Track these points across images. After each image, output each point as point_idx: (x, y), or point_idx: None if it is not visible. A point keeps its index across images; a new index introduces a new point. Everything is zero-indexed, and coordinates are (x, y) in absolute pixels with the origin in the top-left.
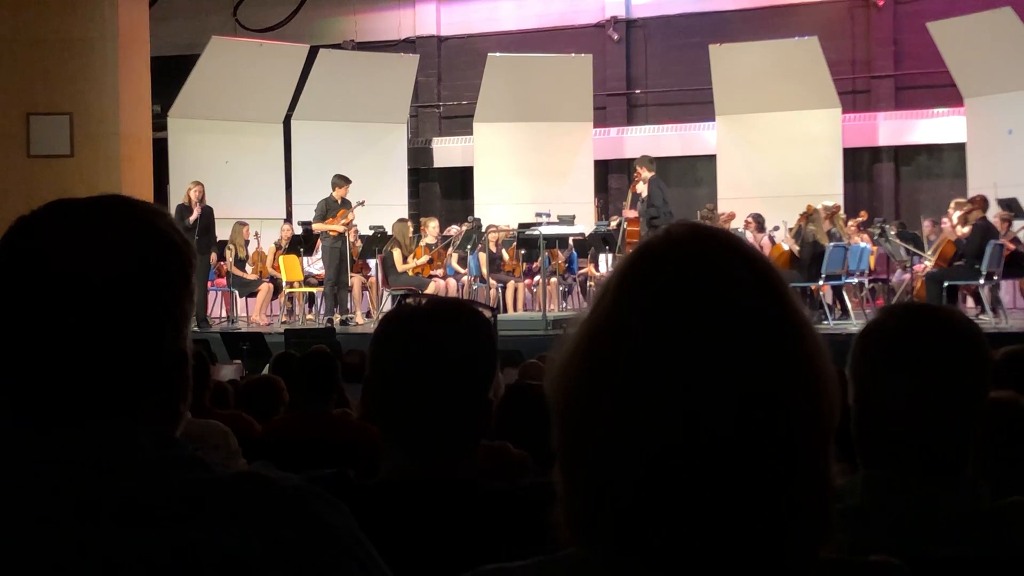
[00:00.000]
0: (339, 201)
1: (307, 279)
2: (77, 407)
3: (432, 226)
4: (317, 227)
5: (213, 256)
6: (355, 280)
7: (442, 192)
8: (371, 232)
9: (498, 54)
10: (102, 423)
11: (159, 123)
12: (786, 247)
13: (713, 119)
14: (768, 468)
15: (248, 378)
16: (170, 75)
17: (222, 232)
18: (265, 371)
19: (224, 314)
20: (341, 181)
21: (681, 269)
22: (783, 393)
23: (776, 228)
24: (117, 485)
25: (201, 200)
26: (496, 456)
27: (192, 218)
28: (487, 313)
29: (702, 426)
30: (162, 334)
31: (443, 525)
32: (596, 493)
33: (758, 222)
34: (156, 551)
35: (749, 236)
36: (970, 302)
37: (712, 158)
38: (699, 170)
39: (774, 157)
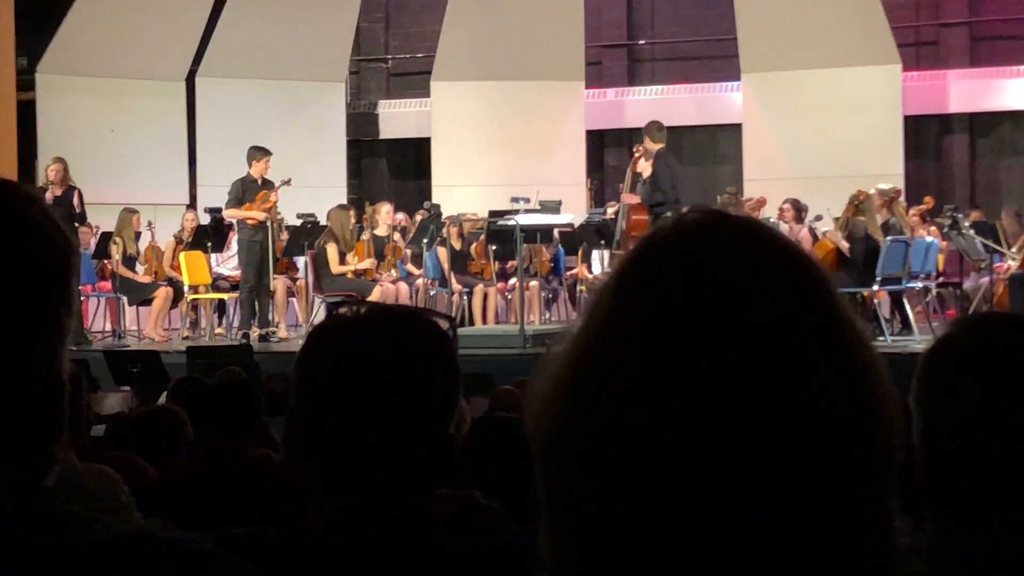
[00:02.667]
0: (258, 181)
1: (216, 282)
2: None
3: (384, 212)
4: (230, 214)
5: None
6: (279, 284)
7: (391, 171)
8: (300, 222)
9: None
10: None
11: (26, 81)
12: (832, 242)
13: (738, 78)
14: (808, 524)
15: (140, 409)
16: (40, 20)
17: (105, 221)
18: (162, 400)
19: (109, 327)
20: (258, 154)
21: (695, 268)
22: (828, 425)
23: (819, 218)
24: None
25: (62, 182)
26: (460, 508)
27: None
28: (444, 324)
29: (723, 469)
30: (31, 353)
31: None
32: (591, 556)
33: (796, 210)
34: None
35: (784, 228)
36: None
37: (736, 128)
38: (720, 143)
39: (815, 127)
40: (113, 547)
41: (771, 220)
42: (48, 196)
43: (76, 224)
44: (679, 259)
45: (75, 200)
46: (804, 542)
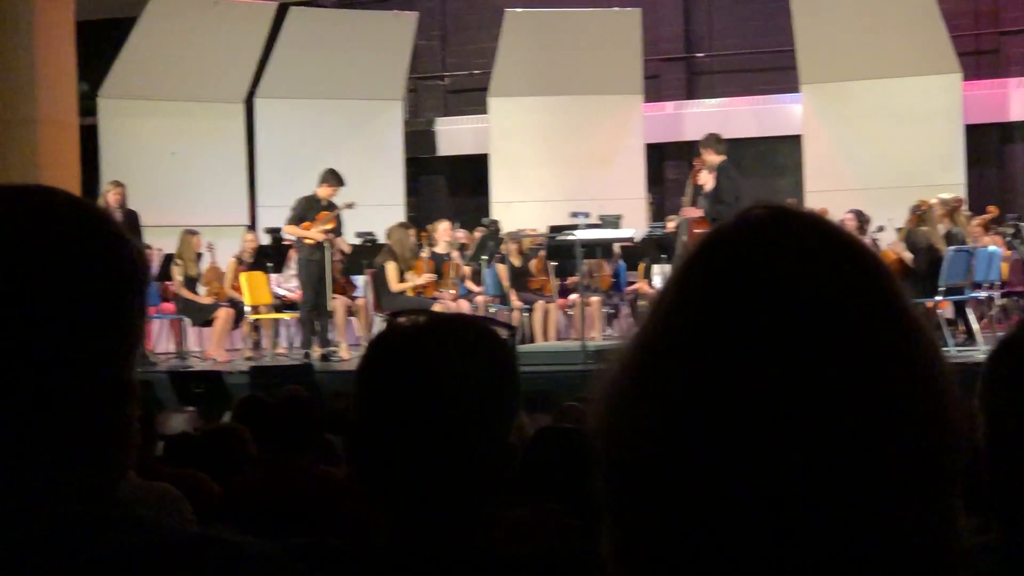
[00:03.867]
0: (322, 203)
1: (281, 301)
2: None
3: (442, 229)
4: (289, 230)
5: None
6: (338, 303)
7: (449, 187)
8: (359, 241)
9: (518, 9)
10: (12, 468)
11: (88, 105)
12: (895, 253)
13: (797, 90)
14: (873, 523)
15: (204, 428)
16: (101, 44)
17: (167, 244)
18: (226, 419)
19: (172, 348)
20: (332, 179)
21: (760, 263)
22: (893, 422)
23: (881, 229)
24: (27, 549)
25: (122, 206)
26: (527, 516)
27: None
28: (504, 333)
29: (786, 468)
30: (105, 357)
31: None
32: (655, 559)
33: (860, 220)
34: None
35: None
36: None
37: (796, 139)
38: (780, 154)
39: (876, 137)
40: (182, 548)
41: None
42: None
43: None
44: (743, 254)
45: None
46: (868, 541)
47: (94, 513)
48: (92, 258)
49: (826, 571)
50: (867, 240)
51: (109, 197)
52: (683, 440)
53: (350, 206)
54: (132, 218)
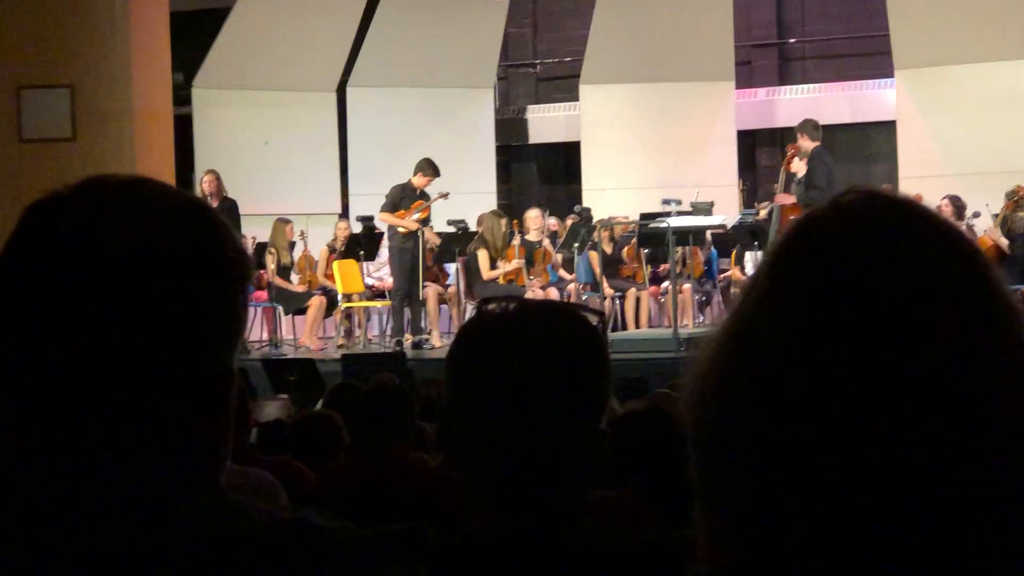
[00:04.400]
0: (417, 192)
1: (369, 291)
2: (91, 431)
3: (533, 216)
4: (383, 218)
5: None
6: (430, 291)
7: (540, 175)
8: (451, 228)
9: None
10: (121, 457)
11: (182, 95)
12: (992, 239)
13: (891, 75)
14: (966, 511)
15: (298, 416)
16: (195, 35)
17: (260, 232)
18: (319, 407)
19: (265, 336)
20: (428, 169)
21: (854, 247)
22: (988, 408)
23: (977, 215)
24: (136, 539)
25: (217, 193)
26: (611, 506)
27: None
28: (594, 319)
29: (880, 453)
30: (209, 349)
31: None
32: (747, 543)
33: (956, 207)
34: None
35: None
36: None
37: (891, 125)
38: (874, 141)
39: (972, 123)
40: (277, 533)
41: None
42: None
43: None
44: (837, 239)
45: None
46: (961, 529)
47: (198, 501)
48: (196, 250)
49: (921, 563)
50: (963, 226)
51: (204, 185)
52: (775, 425)
53: (445, 196)
54: (230, 206)
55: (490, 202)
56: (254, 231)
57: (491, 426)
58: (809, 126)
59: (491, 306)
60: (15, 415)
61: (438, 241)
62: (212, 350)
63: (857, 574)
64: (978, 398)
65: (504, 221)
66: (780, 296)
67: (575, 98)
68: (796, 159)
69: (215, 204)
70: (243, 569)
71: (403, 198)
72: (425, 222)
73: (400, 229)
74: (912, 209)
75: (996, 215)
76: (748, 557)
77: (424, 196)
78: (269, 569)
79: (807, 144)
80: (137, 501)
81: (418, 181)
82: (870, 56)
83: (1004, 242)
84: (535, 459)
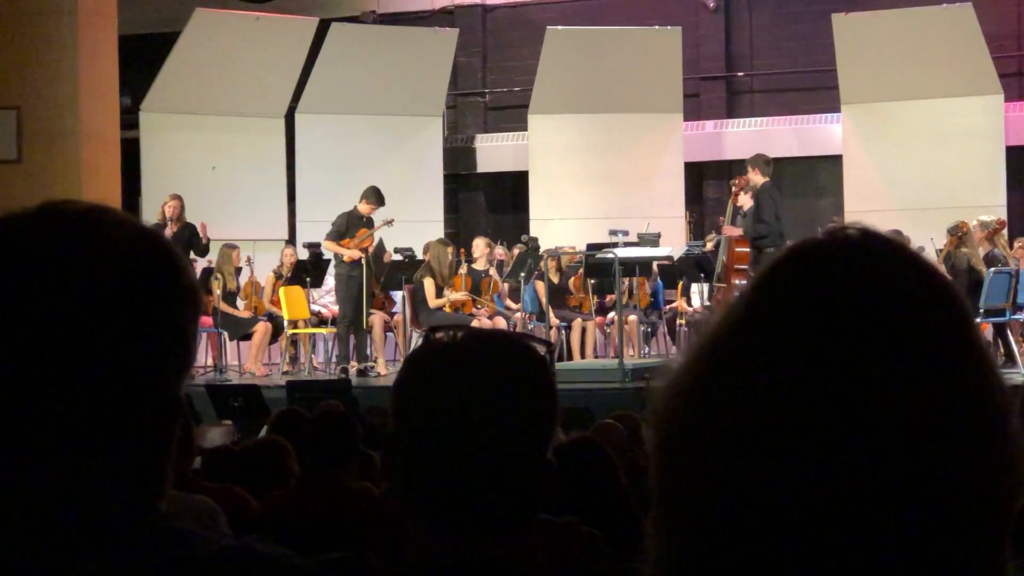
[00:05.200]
0: (363, 219)
1: (315, 317)
2: (36, 449)
3: (480, 245)
4: (327, 246)
5: None
6: (376, 319)
7: (488, 204)
8: (398, 256)
9: (559, 27)
10: (63, 477)
11: (129, 119)
12: None
13: (838, 109)
14: (924, 549)
15: (248, 442)
16: (143, 58)
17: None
18: (263, 433)
19: (210, 362)
20: (373, 197)
21: (849, 280)
22: (958, 450)
23: (920, 250)
24: (74, 557)
25: (178, 218)
26: (560, 536)
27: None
28: (542, 349)
29: (847, 479)
30: (156, 374)
31: None
32: (706, 555)
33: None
34: None
35: None
36: None
37: (837, 159)
38: (820, 174)
39: (916, 158)
40: (218, 559)
41: None
42: (167, 232)
43: (194, 258)
44: (834, 270)
45: (202, 233)
46: (918, 566)
47: (138, 525)
48: (150, 279)
49: None
50: None
51: (167, 209)
52: (752, 433)
53: (389, 223)
54: (191, 232)
55: (437, 230)
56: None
57: (437, 455)
58: (760, 161)
59: (439, 335)
60: None
61: (389, 259)
62: (161, 378)
63: None
64: (951, 445)
65: (451, 249)
66: (767, 322)
67: (524, 128)
68: (743, 193)
69: (175, 229)
70: None
71: (348, 226)
72: (372, 249)
73: (344, 257)
74: (904, 252)
75: (940, 250)
76: (703, 565)
77: (369, 223)
78: None
79: (757, 178)
80: (78, 521)
81: (363, 208)
82: (817, 91)
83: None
84: (481, 488)
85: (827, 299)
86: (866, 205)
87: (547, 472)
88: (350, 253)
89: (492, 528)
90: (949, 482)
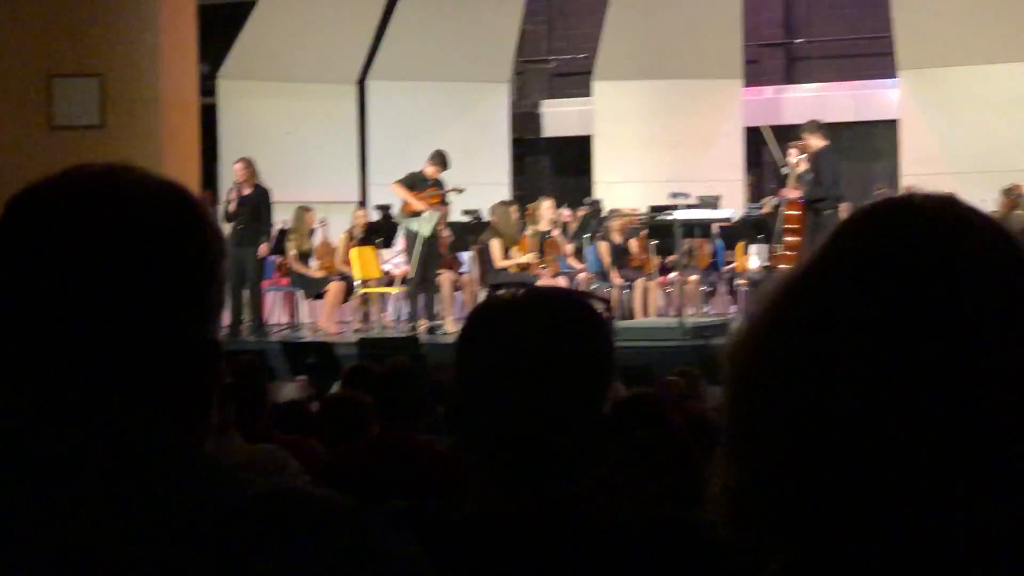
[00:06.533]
0: (428, 180)
1: (386, 277)
2: (81, 399)
3: (545, 207)
4: (396, 189)
5: (263, 248)
6: (445, 278)
7: (554, 168)
8: (466, 218)
9: None
10: (108, 422)
11: (208, 86)
12: None
13: (895, 75)
14: (1001, 491)
15: (328, 396)
16: (221, 28)
17: (282, 220)
18: (335, 388)
19: (285, 320)
20: (439, 159)
21: (923, 244)
22: None
23: None
24: (124, 500)
25: (248, 180)
26: (614, 485)
27: (231, 204)
28: (600, 306)
29: (912, 429)
30: (191, 318)
31: (547, 570)
32: (773, 486)
33: None
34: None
35: None
36: None
37: (893, 124)
38: (876, 139)
39: (972, 122)
40: (264, 500)
41: None
42: (233, 195)
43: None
44: (908, 233)
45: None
46: (984, 523)
47: (184, 467)
48: (172, 228)
49: (935, 545)
50: None
51: (236, 173)
52: (820, 376)
53: (459, 191)
54: (262, 193)
55: (504, 193)
56: (276, 218)
57: (496, 407)
58: (814, 126)
59: (500, 292)
60: (13, 382)
61: (448, 233)
62: (195, 323)
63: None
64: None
65: (514, 211)
66: (841, 261)
67: (588, 93)
68: (798, 156)
69: (247, 191)
70: (226, 534)
71: (416, 183)
72: (443, 212)
73: (407, 207)
74: (981, 216)
75: (994, 212)
76: (771, 495)
77: (437, 184)
78: (253, 534)
79: (815, 142)
80: (124, 465)
81: (429, 171)
82: (874, 56)
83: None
84: (537, 439)
85: (896, 258)
86: (921, 169)
87: (602, 425)
88: (417, 204)
89: (547, 478)
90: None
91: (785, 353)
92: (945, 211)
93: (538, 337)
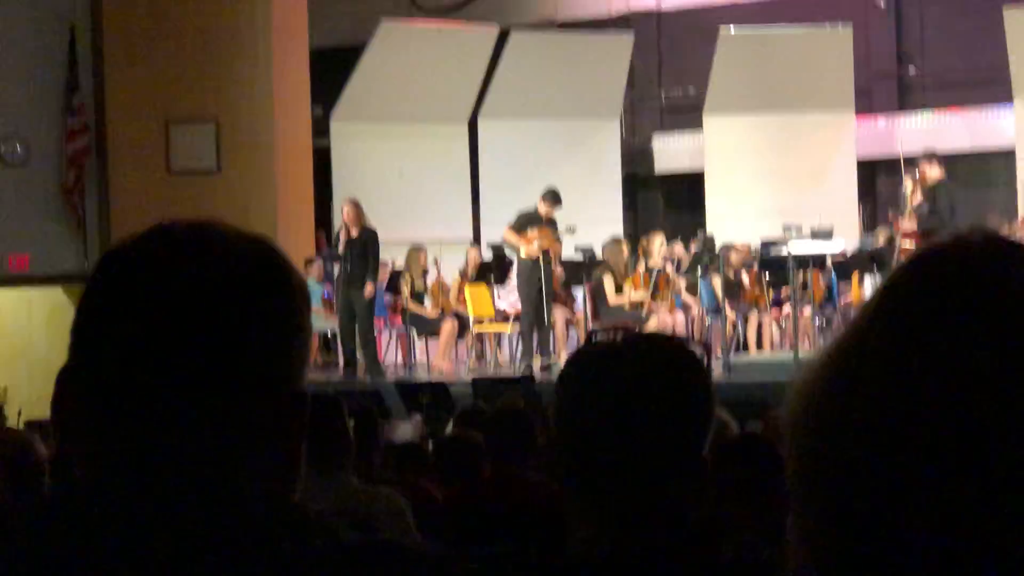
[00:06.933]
0: (543, 219)
1: (500, 314)
2: (170, 454)
3: (658, 244)
4: (506, 235)
5: (369, 288)
6: (558, 315)
7: (665, 203)
8: (578, 255)
9: (732, 28)
10: (197, 475)
11: (320, 128)
12: None
13: (1011, 101)
14: None
15: (443, 438)
16: (333, 70)
17: (395, 258)
18: (449, 428)
19: (400, 359)
20: (551, 197)
21: (971, 286)
22: None
23: None
24: (215, 552)
25: (356, 222)
26: (714, 529)
27: (341, 245)
28: (698, 351)
29: (968, 478)
30: (279, 370)
31: None
32: (842, 548)
33: None
34: None
35: None
36: None
37: (1010, 153)
38: (992, 168)
39: None
40: (355, 553)
41: None
42: (343, 236)
43: (384, 261)
44: (957, 275)
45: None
46: None
47: (278, 519)
48: (257, 282)
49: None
50: None
51: (344, 215)
52: (879, 433)
53: (572, 230)
54: (370, 235)
55: (616, 229)
56: (390, 257)
57: (594, 451)
58: (930, 155)
59: (600, 336)
60: (106, 438)
61: (561, 271)
62: (283, 374)
63: None
64: None
65: (627, 246)
66: (891, 324)
67: (700, 128)
68: (918, 187)
69: (355, 234)
70: None
71: (529, 222)
72: (557, 251)
73: (522, 253)
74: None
75: None
76: (839, 557)
77: (552, 224)
78: None
79: (933, 173)
80: (222, 519)
81: (542, 209)
82: (989, 84)
83: None
84: (634, 482)
85: (949, 305)
86: None
87: (702, 467)
88: (528, 249)
89: (648, 521)
90: None
91: (839, 414)
92: (994, 254)
93: (636, 380)
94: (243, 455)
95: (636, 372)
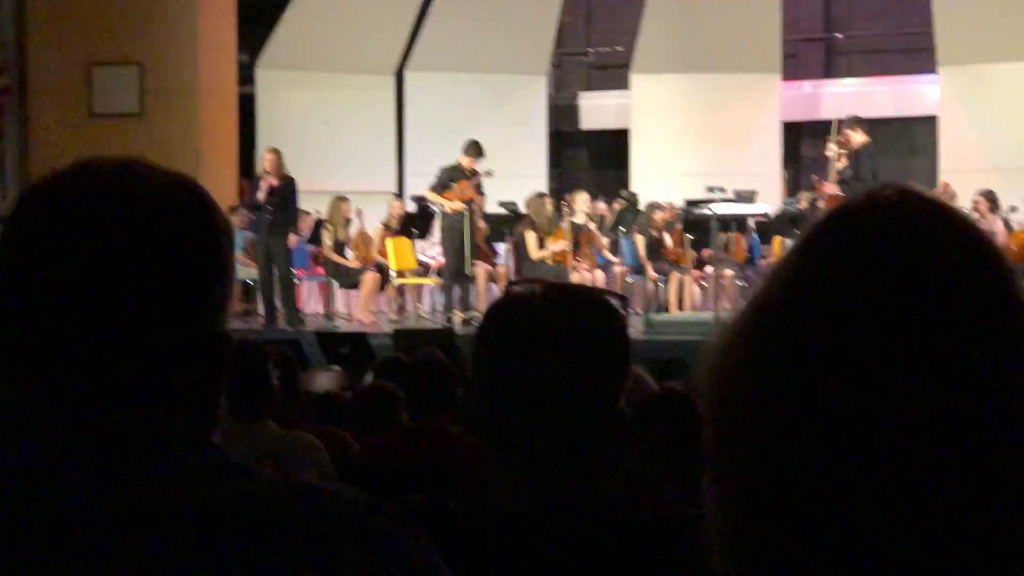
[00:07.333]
0: (465, 172)
1: (422, 268)
2: (87, 392)
3: (581, 201)
4: (430, 195)
5: (293, 238)
6: (480, 270)
7: (590, 161)
8: (502, 210)
9: None
10: (115, 414)
11: (246, 75)
12: None
13: (934, 70)
14: (977, 500)
15: (360, 388)
16: (260, 17)
17: (318, 208)
18: (368, 379)
19: (320, 309)
20: (473, 150)
21: (885, 240)
22: (995, 408)
23: (1014, 209)
24: (134, 491)
25: (276, 170)
26: (630, 482)
27: (260, 193)
28: (615, 302)
29: (892, 436)
30: (201, 310)
31: (563, 568)
32: (756, 512)
33: (990, 201)
34: (173, 571)
35: (978, 219)
36: None
37: (932, 120)
38: (915, 135)
39: (1013, 119)
40: (277, 494)
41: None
42: (264, 185)
43: (306, 210)
44: (870, 231)
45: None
46: (969, 528)
47: (194, 459)
48: (181, 221)
49: (925, 545)
50: (998, 220)
51: (264, 163)
52: (797, 394)
53: (489, 174)
54: (289, 184)
55: (540, 185)
56: (312, 207)
57: (512, 403)
58: (855, 121)
59: (517, 287)
60: (27, 375)
61: (484, 225)
62: (205, 315)
63: (858, 555)
64: (993, 400)
65: (549, 202)
66: (806, 282)
67: (626, 86)
68: (840, 152)
69: (276, 182)
70: (233, 527)
71: (451, 178)
72: (478, 201)
73: (447, 208)
74: (944, 211)
75: None
76: (754, 520)
77: (473, 175)
78: (260, 529)
79: (856, 138)
80: (134, 457)
81: (465, 162)
82: (914, 52)
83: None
84: (554, 436)
85: (866, 259)
86: (960, 165)
87: (618, 420)
88: (452, 205)
89: (566, 475)
90: (999, 435)
91: (757, 376)
92: (908, 206)
93: (554, 333)
94: (163, 395)
95: (552, 322)
